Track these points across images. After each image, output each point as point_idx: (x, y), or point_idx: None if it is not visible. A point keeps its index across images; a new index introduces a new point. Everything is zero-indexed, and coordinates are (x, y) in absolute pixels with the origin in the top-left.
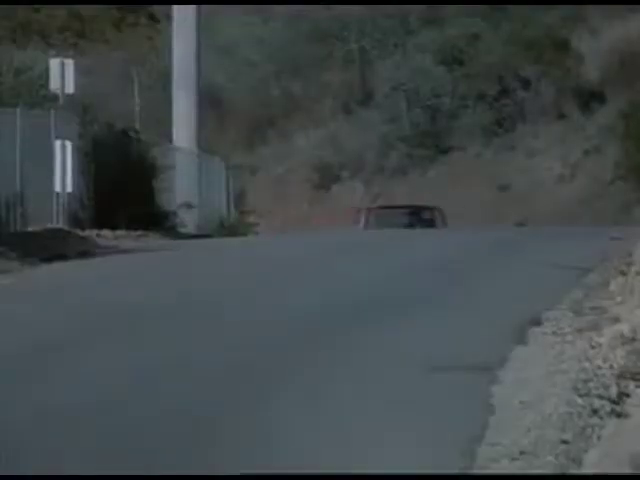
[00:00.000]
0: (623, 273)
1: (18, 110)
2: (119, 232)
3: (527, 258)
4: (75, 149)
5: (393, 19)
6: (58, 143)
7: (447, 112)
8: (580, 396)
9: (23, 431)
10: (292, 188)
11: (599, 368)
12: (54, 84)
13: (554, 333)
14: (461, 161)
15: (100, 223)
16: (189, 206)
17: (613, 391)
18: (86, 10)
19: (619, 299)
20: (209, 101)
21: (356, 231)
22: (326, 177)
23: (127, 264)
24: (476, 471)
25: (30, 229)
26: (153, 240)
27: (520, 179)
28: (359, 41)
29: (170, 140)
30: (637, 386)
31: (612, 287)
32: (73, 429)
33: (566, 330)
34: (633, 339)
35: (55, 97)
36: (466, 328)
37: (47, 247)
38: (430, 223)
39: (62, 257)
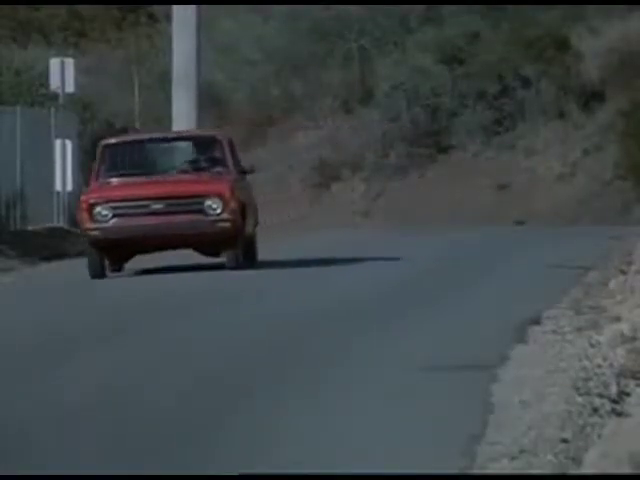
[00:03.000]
0: (623, 272)
1: (18, 109)
2: None
3: (527, 257)
4: (75, 148)
5: (393, 18)
6: (58, 142)
7: (447, 111)
8: (580, 395)
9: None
10: (292, 187)
11: (599, 367)
12: (54, 83)
13: (554, 332)
14: (461, 160)
15: None
16: None
17: (613, 390)
18: (86, 9)
19: (619, 298)
20: (209, 100)
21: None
22: (326, 176)
23: None
24: (476, 471)
25: (30, 228)
26: None
27: (520, 178)
28: (358, 40)
29: None
30: (637, 385)
31: (612, 286)
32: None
33: (566, 329)
34: (633, 338)
35: (55, 96)
36: (466, 326)
37: (47, 246)
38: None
39: (62, 256)
